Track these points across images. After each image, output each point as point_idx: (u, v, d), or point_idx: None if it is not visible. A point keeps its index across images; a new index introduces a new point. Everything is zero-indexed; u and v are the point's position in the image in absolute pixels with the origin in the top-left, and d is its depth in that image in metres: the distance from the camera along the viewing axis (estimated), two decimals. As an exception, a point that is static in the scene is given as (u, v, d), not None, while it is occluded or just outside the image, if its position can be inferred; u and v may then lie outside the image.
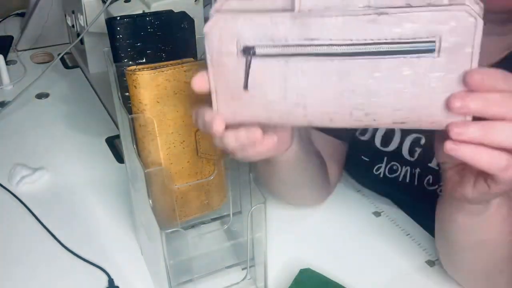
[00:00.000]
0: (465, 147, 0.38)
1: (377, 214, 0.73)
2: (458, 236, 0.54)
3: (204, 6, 0.83)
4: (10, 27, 1.29)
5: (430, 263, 0.65)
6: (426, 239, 0.69)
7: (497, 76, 0.37)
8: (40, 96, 1.02)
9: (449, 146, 0.38)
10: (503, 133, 0.37)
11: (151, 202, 0.50)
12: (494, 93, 0.37)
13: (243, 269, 0.63)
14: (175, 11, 0.56)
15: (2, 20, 1.32)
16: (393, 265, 0.65)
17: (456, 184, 0.45)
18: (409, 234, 0.70)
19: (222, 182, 0.63)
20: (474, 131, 0.37)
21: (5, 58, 1.06)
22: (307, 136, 0.64)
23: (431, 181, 0.66)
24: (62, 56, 1.00)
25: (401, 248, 0.67)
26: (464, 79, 0.36)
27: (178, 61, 0.55)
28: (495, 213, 0.49)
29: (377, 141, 0.70)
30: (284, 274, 0.63)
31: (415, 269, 0.64)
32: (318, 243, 0.68)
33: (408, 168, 0.68)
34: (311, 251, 0.67)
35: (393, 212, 0.73)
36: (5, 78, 1.05)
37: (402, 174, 0.69)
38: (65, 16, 1.09)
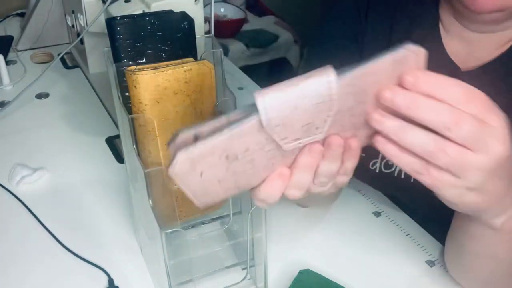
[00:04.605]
0: (389, 145, 0.39)
1: (377, 214, 0.73)
2: (468, 244, 0.55)
3: (204, 6, 0.83)
4: (10, 27, 1.29)
5: (430, 263, 0.65)
6: (426, 239, 0.69)
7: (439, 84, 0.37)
8: (40, 96, 1.02)
9: (377, 138, 0.39)
10: (415, 138, 0.37)
11: (151, 202, 0.50)
12: (427, 98, 0.37)
13: (243, 269, 0.63)
14: (175, 11, 0.56)
15: (2, 20, 1.32)
16: (393, 265, 0.65)
17: None
18: (409, 234, 0.70)
19: (222, 182, 0.63)
20: (391, 125, 0.38)
21: (5, 58, 1.06)
22: None
23: None
24: (62, 56, 1.00)
25: (401, 248, 0.67)
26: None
27: (178, 61, 0.55)
28: (507, 231, 0.49)
29: None
30: (284, 274, 0.63)
31: (415, 269, 0.64)
32: (318, 244, 0.68)
33: None
34: (311, 251, 0.67)
35: (393, 212, 0.73)
36: (5, 78, 1.05)
37: (398, 169, 0.68)
38: (65, 16, 1.10)
